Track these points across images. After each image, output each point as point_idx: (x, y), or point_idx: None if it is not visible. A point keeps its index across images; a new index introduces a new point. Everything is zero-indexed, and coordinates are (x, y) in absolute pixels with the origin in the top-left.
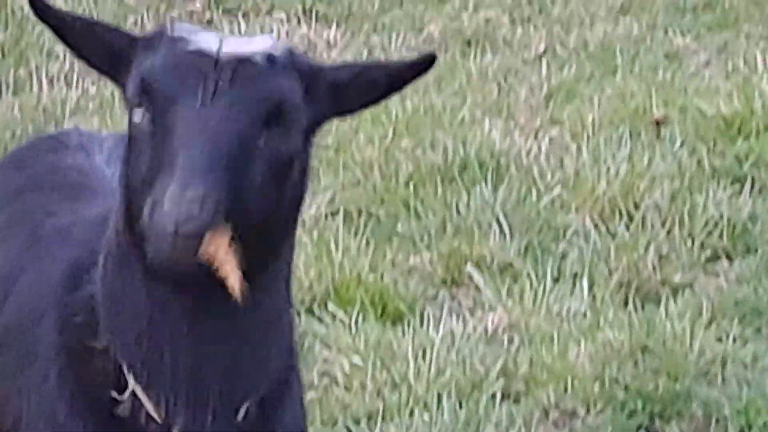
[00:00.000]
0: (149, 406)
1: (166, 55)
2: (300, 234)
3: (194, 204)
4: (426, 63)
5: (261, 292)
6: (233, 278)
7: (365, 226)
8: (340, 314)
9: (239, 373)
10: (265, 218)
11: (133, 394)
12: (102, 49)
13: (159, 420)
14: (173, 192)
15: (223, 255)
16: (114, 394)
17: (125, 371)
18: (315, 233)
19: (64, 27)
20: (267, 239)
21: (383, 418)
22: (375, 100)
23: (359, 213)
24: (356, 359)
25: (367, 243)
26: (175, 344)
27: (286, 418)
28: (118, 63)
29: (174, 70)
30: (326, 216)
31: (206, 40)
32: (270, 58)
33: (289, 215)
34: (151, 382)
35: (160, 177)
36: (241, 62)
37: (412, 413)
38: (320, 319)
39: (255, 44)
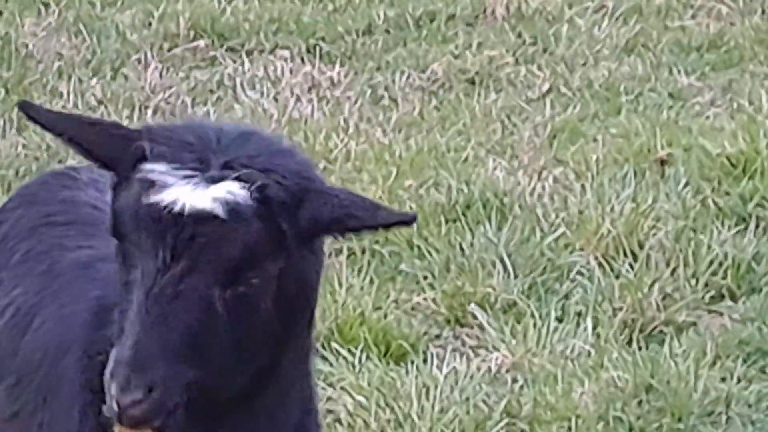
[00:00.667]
0: None
1: (133, 202)
2: None
3: (137, 400)
4: (406, 223)
5: (277, 369)
6: None
7: (369, 264)
8: (344, 353)
9: (257, 429)
10: (243, 366)
11: None
12: (95, 156)
13: None
14: (119, 381)
15: None
16: None
17: None
18: None
19: (55, 132)
20: (270, 364)
21: None
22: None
23: (363, 251)
24: (360, 398)
25: (371, 282)
26: (190, 405)
27: None
28: (112, 168)
29: (138, 221)
30: (330, 254)
31: (171, 189)
32: (234, 211)
33: (289, 335)
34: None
35: (116, 344)
36: (202, 220)
37: None
38: (324, 358)
39: (219, 192)
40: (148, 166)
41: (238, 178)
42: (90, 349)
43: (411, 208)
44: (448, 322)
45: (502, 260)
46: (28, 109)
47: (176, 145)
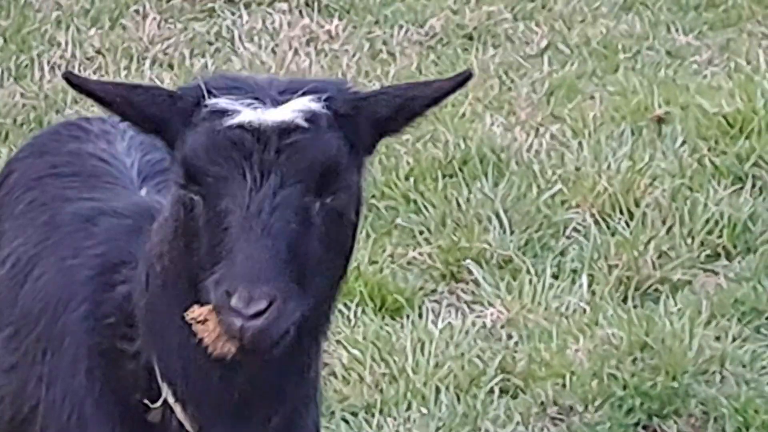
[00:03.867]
0: (183, 417)
1: (207, 134)
2: None
3: (261, 311)
4: (463, 82)
5: (316, 329)
6: None
7: (365, 218)
8: (339, 306)
9: (281, 395)
10: (329, 279)
11: (165, 402)
12: (142, 118)
13: (192, 430)
14: (241, 294)
15: None
16: (145, 400)
17: (159, 380)
18: None
19: (104, 99)
20: (329, 294)
21: (381, 410)
22: (414, 122)
23: None
24: (355, 351)
25: (367, 236)
26: (228, 375)
27: (308, 423)
28: (161, 129)
29: (218, 150)
30: None
31: (245, 111)
32: (311, 119)
33: (346, 264)
34: (193, 400)
35: (222, 270)
36: (284, 131)
37: (409, 406)
38: None
39: (293, 106)
40: (212, 100)
41: (305, 94)
42: (97, 312)
43: (408, 162)
44: (444, 277)
45: (498, 216)
46: (73, 79)
47: (229, 86)
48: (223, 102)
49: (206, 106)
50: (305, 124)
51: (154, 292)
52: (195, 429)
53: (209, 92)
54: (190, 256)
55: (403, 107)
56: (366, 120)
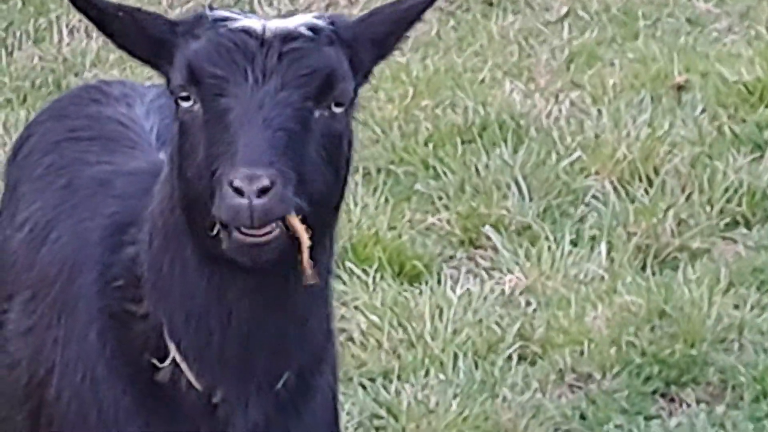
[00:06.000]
0: (190, 375)
1: (211, 37)
2: None
3: (266, 187)
4: None
5: (313, 259)
6: (306, 256)
7: (384, 184)
8: (358, 272)
9: (285, 347)
10: (323, 194)
11: (174, 361)
12: (143, 38)
13: (199, 388)
14: (243, 174)
15: (301, 231)
16: (154, 360)
17: (166, 339)
18: None
19: (105, 17)
20: (325, 215)
21: (399, 376)
22: (409, 31)
23: (378, 171)
24: (373, 317)
25: (386, 201)
26: (227, 324)
27: (321, 384)
28: (159, 51)
29: (220, 51)
30: None
31: (249, 20)
32: (314, 30)
33: (342, 189)
34: (196, 355)
35: (223, 163)
36: (287, 37)
37: (427, 372)
38: (338, 277)
39: (296, 20)
40: (215, 12)
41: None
42: (107, 274)
43: (427, 128)
44: (462, 243)
45: (517, 182)
46: None
47: (230, 10)
48: (226, 12)
49: (209, 17)
50: (308, 33)
51: (157, 250)
52: (203, 386)
53: (210, 8)
54: (192, 176)
55: (401, 18)
56: (366, 41)
